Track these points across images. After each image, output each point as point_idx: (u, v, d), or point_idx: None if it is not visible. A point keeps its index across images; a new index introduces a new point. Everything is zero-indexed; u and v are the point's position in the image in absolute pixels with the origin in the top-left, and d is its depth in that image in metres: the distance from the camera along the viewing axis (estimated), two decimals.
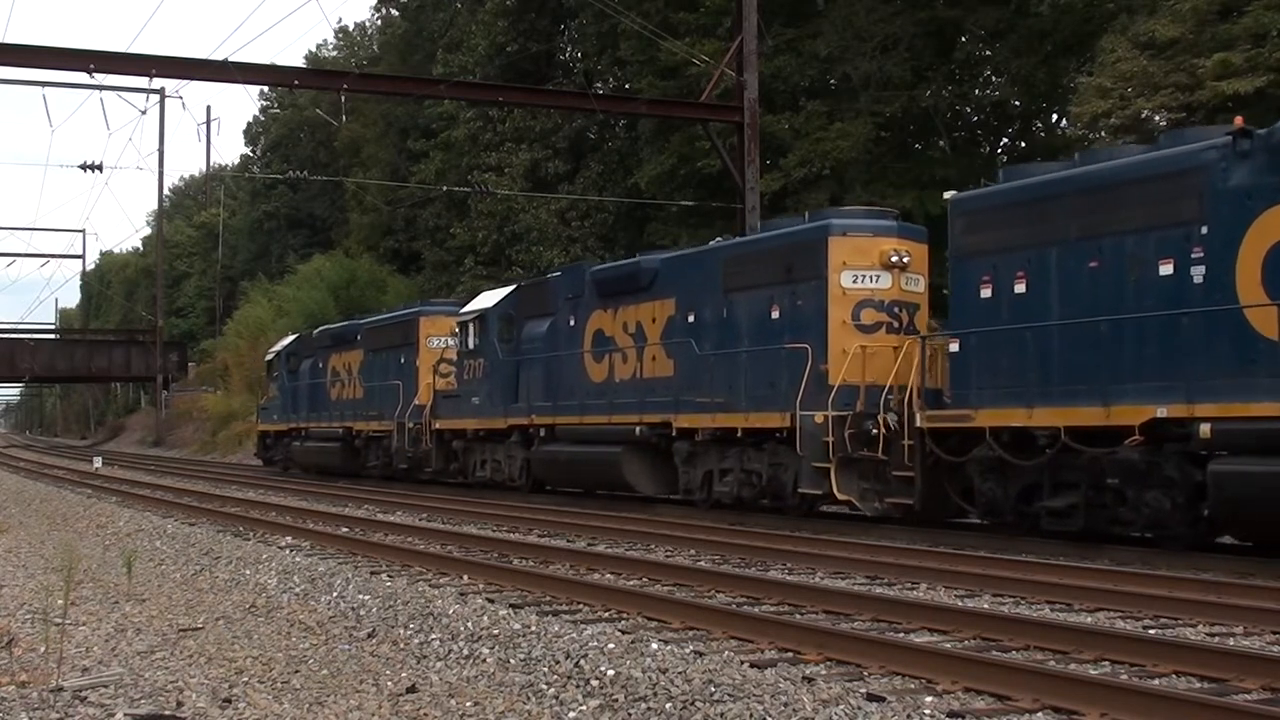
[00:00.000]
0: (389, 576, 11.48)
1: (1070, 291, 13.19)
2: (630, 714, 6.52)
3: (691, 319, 18.65)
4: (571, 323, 21.57)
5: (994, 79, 34.01)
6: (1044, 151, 31.33)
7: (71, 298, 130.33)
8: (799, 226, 17.48)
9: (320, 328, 35.76)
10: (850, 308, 16.24)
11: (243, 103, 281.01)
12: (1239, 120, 12.21)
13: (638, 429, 19.09)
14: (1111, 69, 23.30)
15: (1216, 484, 11.48)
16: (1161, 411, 11.94)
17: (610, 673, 7.09)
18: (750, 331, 17.56)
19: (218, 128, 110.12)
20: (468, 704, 6.95)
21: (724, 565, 12.33)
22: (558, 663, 7.48)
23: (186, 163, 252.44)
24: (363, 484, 27.66)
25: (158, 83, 38.99)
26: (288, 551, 13.81)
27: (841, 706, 6.11)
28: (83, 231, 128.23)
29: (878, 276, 16.30)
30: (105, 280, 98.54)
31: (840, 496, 15.58)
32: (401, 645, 8.64)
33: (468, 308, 25.20)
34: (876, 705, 6.17)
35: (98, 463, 38.17)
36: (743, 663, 7.18)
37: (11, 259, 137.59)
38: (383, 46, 59.95)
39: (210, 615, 10.23)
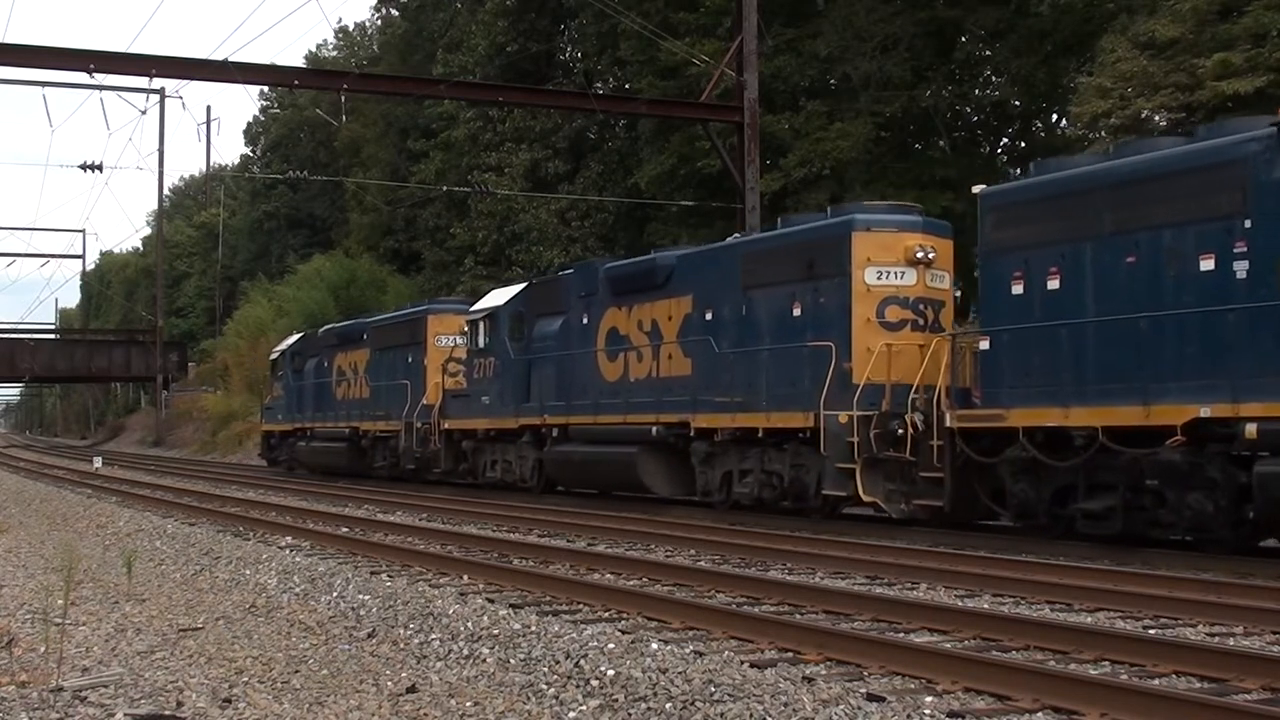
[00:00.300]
0: (389, 576, 11.48)
1: (1106, 287, 12.82)
2: (630, 714, 6.52)
3: (709, 317, 18.34)
4: (585, 321, 21.26)
5: (994, 79, 34.03)
6: (1044, 152, 31.32)
7: (71, 298, 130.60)
8: (821, 222, 17.12)
9: (326, 326, 35.56)
10: (874, 305, 15.92)
11: (243, 103, 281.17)
12: None
13: (654, 429, 18.81)
14: (1111, 69, 23.29)
15: (1262, 486, 11.16)
16: (1205, 411, 11.61)
17: (610, 673, 7.09)
18: (771, 329, 17.23)
19: (218, 128, 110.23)
20: (468, 704, 6.95)
21: (724, 565, 12.32)
22: (558, 663, 7.48)
23: (186, 163, 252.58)
24: (363, 484, 27.60)
25: (158, 83, 39.04)
26: (288, 551, 13.80)
27: (841, 706, 6.11)
28: (83, 231, 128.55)
29: (902, 273, 15.97)
30: (105, 280, 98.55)
31: (866, 498, 15.27)
32: (401, 645, 8.63)
33: (477, 306, 24.91)
34: (876, 705, 6.16)
35: (98, 463, 38.16)
36: (743, 663, 7.17)
37: (11, 259, 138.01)
38: (383, 46, 59.98)
39: (210, 615, 10.23)
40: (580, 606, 9.66)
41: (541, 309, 22.80)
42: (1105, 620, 8.99)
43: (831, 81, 33.64)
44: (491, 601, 9.77)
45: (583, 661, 7.37)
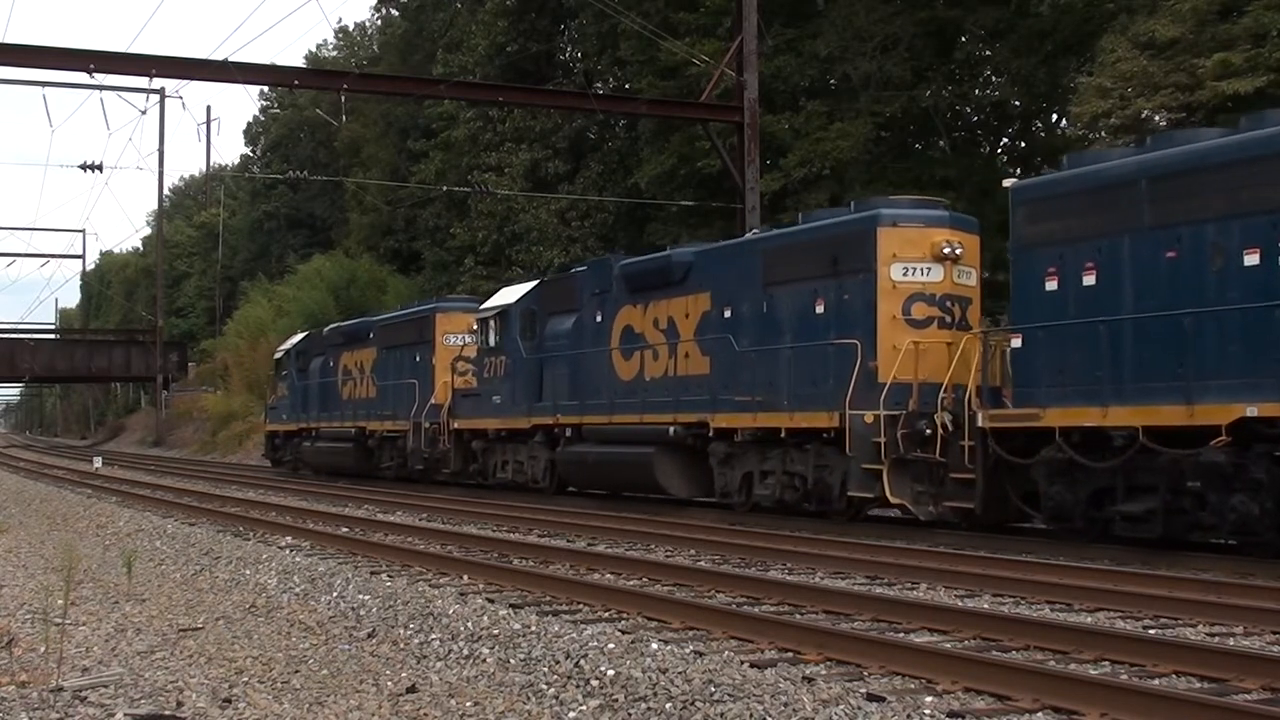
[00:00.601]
0: (389, 576, 11.48)
1: (1145, 283, 12.42)
2: (630, 714, 6.52)
3: (728, 314, 17.94)
4: (598, 319, 20.91)
5: (994, 79, 34.01)
6: (1044, 152, 31.41)
7: (71, 298, 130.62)
8: (845, 217, 16.71)
9: (331, 325, 35.26)
10: (900, 302, 15.55)
11: (243, 103, 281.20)
12: None
13: (671, 429, 18.43)
14: (1111, 69, 23.29)
15: None
16: (1251, 410, 11.22)
17: (610, 673, 7.09)
18: (793, 327, 16.83)
19: (218, 128, 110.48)
20: (468, 704, 6.95)
21: (724, 565, 12.32)
22: (558, 663, 7.48)
23: (186, 163, 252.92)
24: (363, 484, 27.55)
25: (158, 83, 39.10)
26: (288, 551, 13.81)
27: (841, 706, 6.11)
28: (83, 231, 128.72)
29: (929, 269, 15.61)
30: (105, 280, 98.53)
31: (893, 500, 14.91)
32: (401, 645, 8.63)
33: (488, 304, 24.63)
34: (876, 705, 6.16)
35: (98, 463, 38.16)
36: (743, 663, 7.17)
37: (11, 259, 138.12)
38: (383, 46, 59.97)
39: (210, 615, 10.23)
40: (580, 606, 9.66)
41: (553, 307, 22.50)
42: (1105, 620, 8.99)
43: (831, 81, 33.64)
44: (491, 601, 9.77)
45: (583, 661, 7.37)
